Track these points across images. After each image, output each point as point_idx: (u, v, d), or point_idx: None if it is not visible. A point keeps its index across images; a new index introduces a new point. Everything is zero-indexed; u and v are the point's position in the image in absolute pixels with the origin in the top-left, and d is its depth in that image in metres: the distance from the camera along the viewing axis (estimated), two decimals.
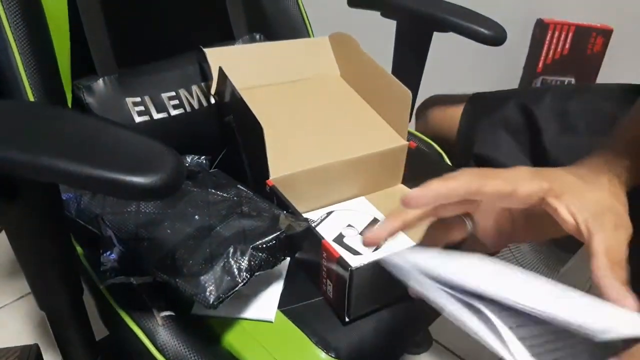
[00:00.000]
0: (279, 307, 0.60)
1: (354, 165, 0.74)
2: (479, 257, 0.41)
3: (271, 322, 0.59)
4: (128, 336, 0.54)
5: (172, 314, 0.55)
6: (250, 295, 0.61)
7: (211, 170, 0.73)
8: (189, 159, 0.71)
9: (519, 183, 0.43)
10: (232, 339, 0.57)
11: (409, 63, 0.89)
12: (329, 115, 0.81)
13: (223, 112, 0.77)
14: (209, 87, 0.77)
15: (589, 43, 1.47)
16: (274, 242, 0.55)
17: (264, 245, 0.54)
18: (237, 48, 0.84)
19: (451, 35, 0.83)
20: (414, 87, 0.90)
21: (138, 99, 0.72)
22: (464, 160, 0.84)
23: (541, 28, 1.47)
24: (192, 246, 0.54)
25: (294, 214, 0.62)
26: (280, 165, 0.68)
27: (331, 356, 0.56)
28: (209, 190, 0.65)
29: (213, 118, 0.78)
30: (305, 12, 0.92)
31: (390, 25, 0.89)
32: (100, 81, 0.70)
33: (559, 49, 1.49)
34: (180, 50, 0.79)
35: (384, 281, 0.58)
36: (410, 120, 0.80)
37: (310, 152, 0.72)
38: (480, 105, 0.86)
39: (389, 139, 0.78)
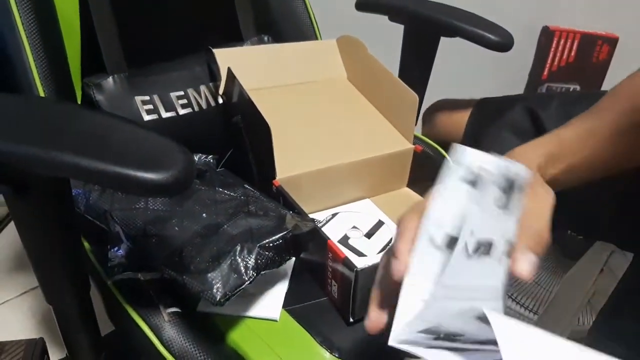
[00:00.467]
0: (284, 306, 0.60)
1: (359, 167, 0.75)
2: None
3: (276, 321, 0.59)
4: (134, 332, 0.55)
5: (179, 310, 0.56)
6: (255, 294, 0.61)
7: (218, 170, 0.74)
8: (196, 158, 0.72)
9: None
10: (237, 336, 0.58)
11: (416, 67, 0.90)
12: (335, 117, 0.81)
13: (231, 112, 0.77)
14: (217, 88, 0.78)
15: (595, 51, 1.48)
16: (280, 241, 0.55)
17: (271, 244, 0.55)
18: (245, 49, 0.84)
19: (458, 41, 0.84)
20: (421, 91, 0.90)
21: (147, 98, 0.73)
22: None
23: (547, 35, 1.47)
24: (199, 244, 0.55)
25: (300, 214, 0.63)
26: (287, 166, 0.69)
27: (335, 356, 0.56)
28: (217, 189, 0.65)
29: (221, 118, 0.78)
30: (314, 15, 0.93)
31: (398, 29, 0.90)
32: (110, 79, 0.71)
33: (564, 57, 1.49)
34: (189, 50, 0.80)
35: None
36: (416, 124, 0.81)
37: (316, 153, 0.73)
38: (487, 110, 0.87)
39: (395, 142, 0.79)
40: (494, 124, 0.83)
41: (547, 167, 0.47)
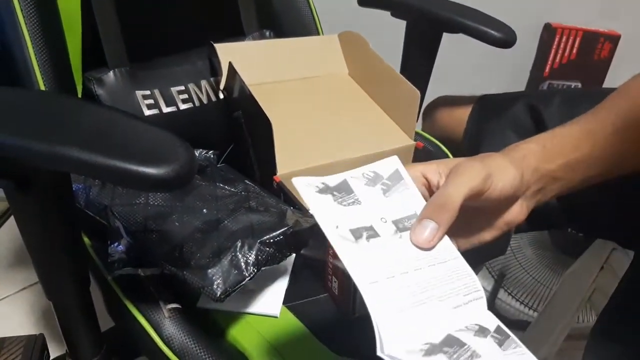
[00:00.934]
0: (284, 302, 0.60)
1: (361, 163, 0.74)
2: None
3: (276, 317, 0.59)
4: (134, 327, 0.55)
5: (179, 306, 0.56)
6: (255, 290, 0.61)
7: (219, 165, 0.74)
8: (197, 153, 0.72)
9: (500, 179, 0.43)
10: (237, 332, 0.58)
11: (418, 63, 0.89)
12: (337, 113, 0.81)
13: (232, 107, 0.77)
14: (218, 82, 0.78)
15: (597, 48, 1.47)
16: (281, 237, 0.55)
17: (272, 240, 0.54)
18: (247, 44, 0.84)
19: (460, 37, 0.83)
20: (422, 88, 0.90)
21: (148, 92, 0.72)
22: None
23: (549, 32, 1.47)
24: (200, 239, 0.55)
25: (301, 210, 0.62)
26: (288, 162, 0.69)
27: (335, 352, 0.56)
28: (217, 184, 0.65)
29: (221, 113, 0.78)
30: (315, 10, 0.93)
31: (400, 25, 0.89)
32: (111, 73, 0.71)
33: (566, 54, 1.49)
34: (191, 45, 0.80)
35: None
36: (417, 121, 0.80)
37: (317, 149, 0.73)
38: (488, 107, 0.86)
39: (397, 138, 0.78)
40: (494, 120, 0.83)
41: (540, 162, 0.46)
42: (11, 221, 1.29)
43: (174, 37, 0.80)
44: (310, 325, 0.58)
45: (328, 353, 0.56)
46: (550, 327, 0.94)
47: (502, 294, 1.25)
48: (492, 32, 0.78)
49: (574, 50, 1.48)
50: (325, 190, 0.40)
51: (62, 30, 0.68)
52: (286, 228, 0.56)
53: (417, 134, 0.82)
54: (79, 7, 0.70)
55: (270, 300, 0.60)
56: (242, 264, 0.52)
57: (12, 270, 1.19)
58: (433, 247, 0.40)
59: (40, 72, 0.63)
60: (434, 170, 0.44)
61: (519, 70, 1.54)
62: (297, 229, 0.57)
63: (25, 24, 0.63)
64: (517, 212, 0.46)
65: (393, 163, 0.43)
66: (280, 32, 0.90)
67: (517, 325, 1.16)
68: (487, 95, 0.89)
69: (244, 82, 0.71)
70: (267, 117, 0.65)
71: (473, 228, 0.47)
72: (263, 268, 0.54)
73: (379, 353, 0.36)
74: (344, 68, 0.88)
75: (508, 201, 0.45)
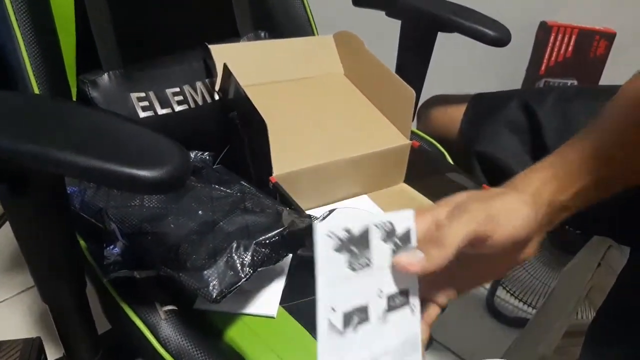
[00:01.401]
0: (281, 303, 0.60)
1: (356, 163, 0.75)
2: None
3: (273, 317, 0.59)
4: (131, 330, 0.55)
5: (175, 308, 0.56)
6: (252, 290, 0.61)
7: (215, 167, 0.73)
8: (192, 155, 0.71)
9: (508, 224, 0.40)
10: (234, 334, 0.58)
11: (413, 63, 0.89)
12: (332, 113, 0.81)
13: (227, 108, 0.77)
14: (213, 84, 0.78)
15: (592, 46, 1.48)
16: (277, 238, 0.55)
17: (267, 241, 0.54)
18: (241, 45, 0.84)
19: (455, 36, 0.83)
20: (418, 87, 0.90)
21: (142, 94, 0.72)
22: (465, 159, 0.84)
23: (544, 30, 1.47)
24: (195, 241, 0.55)
25: (297, 210, 0.62)
26: (284, 162, 0.69)
27: None
28: (213, 186, 0.65)
29: (217, 114, 0.78)
30: (310, 11, 0.93)
31: (395, 24, 0.89)
32: (105, 76, 0.71)
33: (562, 52, 1.49)
34: (185, 46, 0.80)
35: None
36: (413, 120, 0.80)
37: (313, 149, 0.73)
38: (482, 105, 0.87)
39: (392, 137, 0.79)
40: (489, 119, 0.83)
41: (554, 194, 0.43)
42: (8, 225, 1.28)
43: (169, 38, 0.80)
44: (307, 325, 0.58)
45: None
46: (548, 325, 0.94)
47: (500, 292, 1.25)
48: (487, 31, 0.78)
49: (570, 48, 1.48)
50: (344, 245, 0.38)
51: (55, 32, 0.68)
52: (282, 229, 0.56)
53: (412, 133, 0.82)
54: (73, 9, 0.70)
55: (267, 301, 0.60)
56: (238, 265, 0.52)
57: (9, 274, 1.19)
58: (410, 271, 0.38)
59: (34, 75, 0.63)
60: (444, 213, 0.41)
61: (515, 68, 1.54)
62: (293, 230, 0.57)
63: (19, 27, 0.63)
64: (529, 250, 0.43)
65: (408, 219, 0.40)
66: (275, 32, 0.90)
67: (516, 322, 1.16)
68: (481, 93, 0.90)
69: (239, 83, 0.71)
70: (262, 118, 0.65)
71: (480, 270, 0.44)
72: (259, 269, 0.54)
73: None
74: (339, 68, 0.88)
75: (520, 244, 0.42)
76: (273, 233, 0.55)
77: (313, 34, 0.92)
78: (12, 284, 1.16)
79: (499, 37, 0.78)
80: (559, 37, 1.47)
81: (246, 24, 0.87)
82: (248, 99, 0.68)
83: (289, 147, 0.70)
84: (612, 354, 0.62)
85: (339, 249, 0.38)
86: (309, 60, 0.85)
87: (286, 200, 0.65)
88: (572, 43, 1.48)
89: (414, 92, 0.75)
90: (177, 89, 0.76)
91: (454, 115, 0.89)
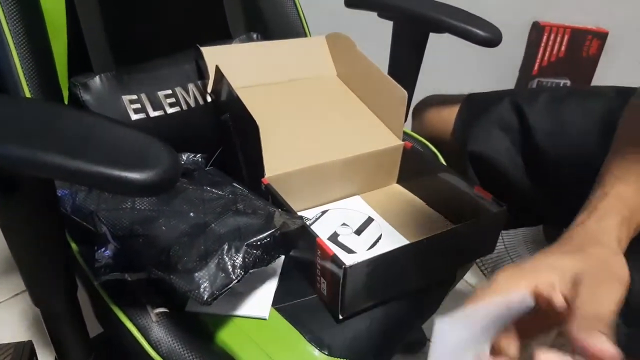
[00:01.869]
0: (273, 304, 0.60)
1: (349, 164, 0.75)
2: None
3: (265, 319, 0.59)
4: (122, 333, 0.55)
5: (166, 310, 0.56)
6: (244, 292, 0.61)
7: (207, 169, 0.73)
8: (184, 157, 0.71)
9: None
10: (226, 336, 0.58)
11: (406, 64, 0.90)
12: (325, 114, 0.81)
13: (219, 110, 0.77)
14: (205, 86, 0.78)
15: (585, 46, 1.48)
16: (268, 239, 0.55)
17: (259, 243, 0.54)
18: (234, 47, 0.84)
19: (448, 36, 0.83)
20: (410, 88, 0.90)
21: (134, 97, 0.72)
22: (459, 160, 0.84)
23: (537, 30, 1.48)
24: (186, 243, 0.55)
25: (289, 212, 0.62)
26: (276, 164, 0.69)
27: (325, 354, 0.56)
28: (205, 187, 0.65)
29: (209, 116, 0.78)
30: (303, 12, 0.93)
31: (387, 25, 0.90)
32: (97, 78, 0.70)
33: (554, 52, 1.50)
34: (177, 48, 0.80)
35: (378, 279, 0.59)
36: (405, 121, 0.80)
37: (305, 151, 0.73)
38: (474, 106, 0.87)
39: (385, 138, 0.79)
40: (481, 119, 0.83)
41: (624, 235, 0.45)
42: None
43: (160, 40, 0.80)
44: (300, 327, 0.58)
45: (317, 354, 0.56)
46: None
47: None
48: (478, 31, 0.78)
49: (562, 48, 1.49)
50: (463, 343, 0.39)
51: (46, 35, 0.68)
52: (273, 230, 0.56)
53: (405, 133, 0.83)
54: (64, 11, 0.70)
55: (259, 303, 0.60)
56: (229, 267, 0.52)
57: (3, 277, 1.19)
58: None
59: (25, 77, 0.63)
60: (546, 282, 0.40)
61: (508, 68, 1.54)
62: (285, 231, 0.57)
63: (9, 30, 0.62)
64: None
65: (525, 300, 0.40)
66: (268, 34, 0.90)
67: None
68: (473, 94, 0.90)
69: (231, 85, 0.71)
70: (254, 120, 0.65)
71: None
72: (251, 271, 0.54)
73: None
74: (331, 69, 0.88)
75: None
76: (265, 235, 0.55)
77: (305, 36, 0.93)
78: (5, 287, 1.15)
79: (489, 38, 0.78)
80: (552, 37, 1.48)
81: (238, 25, 0.87)
82: (240, 100, 0.68)
83: (281, 148, 0.70)
84: None
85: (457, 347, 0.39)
86: (301, 62, 0.85)
87: (278, 202, 0.65)
88: (564, 43, 1.48)
89: (406, 93, 0.75)
90: (169, 91, 0.75)
91: (447, 116, 0.90)
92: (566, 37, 1.47)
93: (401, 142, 0.79)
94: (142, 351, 0.53)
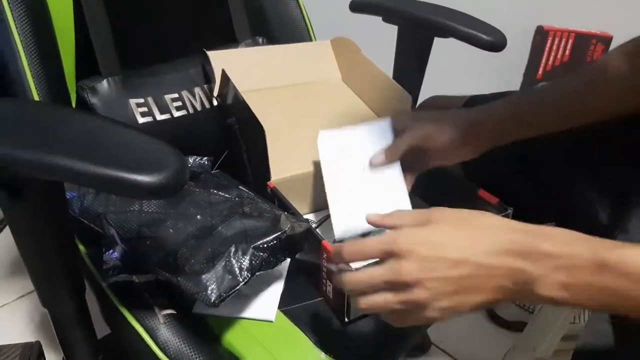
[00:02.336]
0: (279, 307, 0.61)
1: None
2: None
3: (271, 322, 0.59)
4: (130, 334, 0.55)
5: (174, 312, 0.56)
6: (250, 295, 0.61)
7: (213, 172, 0.74)
8: (191, 160, 0.72)
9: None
10: (233, 338, 0.58)
11: (410, 68, 0.90)
12: (330, 118, 0.81)
13: (225, 114, 0.77)
14: (211, 90, 0.78)
15: (589, 50, 1.48)
16: (275, 242, 0.56)
17: (265, 245, 0.55)
18: (240, 51, 0.85)
19: (453, 41, 0.84)
20: (415, 92, 0.90)
21: (141, 100, 0.73)
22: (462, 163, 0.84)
23: (541, 35, 1.48)
24: (194, 245, 0.55)
25: (295, 215, 0.63)
26: (282, 167, 0.69)
27: (330, 356, 0.57)
28: (211, 190, 0.66)
29: (215, 120, 0.79)
30: (308, 17, 0.93)
31: (392, 30, 0.90)
32: (105, 82, 0.71)
33: (559, 56, 1.50)
34: (184, 52, 0.80)
35: None
36: None
37: (311, 154, 0.73)
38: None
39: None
40: None
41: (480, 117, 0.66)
42: (8, 230, 1.29)
43: (167, 45, 0.81)
44: (306, 329, 0.59)
45: (323, 357, 0.56)
46: (547, 328, 0.94)
47: None
48: (482, 36, 0.78)
49: (567, 52, 1.49)
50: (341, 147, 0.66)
51: (55, 40, 0.69)
52: (280, 233, 0.56)
53: None
54: (72, 16, 0.71)
55: (266, 305, 0.61)
56: (236, 269, 0.52)
57: (9, 278, 1.20)
58: (376, 164, 0.66)
59: (34, 81, 0.64)
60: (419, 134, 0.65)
61: (513, 73, 1.55)
62: (291, 234, 0.58)
63: (18, 34, 0.63)
64: (466, 153, 0.66)
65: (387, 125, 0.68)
66: (273, 38, 0.90)
67: (514, 326, 1.17)
68: (475, 95, 0.90)
69: (237, 89, 0.72)
70: (260, 123, 0.66)
71: (434, 158, 0.66)
72: (257, 273, 0.54)
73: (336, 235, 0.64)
74: (336, 73, 0.88)
75: (453, 151, 0.65)
76: (271, 237, 0.56)
77: (310, 40, 0.93)
78: (12, 288, 1.16)
79: (494, 42, 0.79)
80: (556, 42, 1.48)
81: (244, 30, 0.87)
82: (246, 104, 0.68)
83: (287, 152, 0.71)
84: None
85: (337, 151, 0.66)
86: (306, 66, 0.86)
87: (284, 205, 0.65)
88: (569, 47, 1.48)
89: (410, 97, 0.75)
90: (176, 95, 0.76)
91: None
92: (570, 42, 1.48)
93: None
94: (149, 352, 0.53)
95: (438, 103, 0.94)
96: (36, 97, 0.64)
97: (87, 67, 0.72)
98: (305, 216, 0.67)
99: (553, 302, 0.41)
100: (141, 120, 0.72)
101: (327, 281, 0.60)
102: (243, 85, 0.72)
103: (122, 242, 0.57)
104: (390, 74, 0.87)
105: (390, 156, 0.66)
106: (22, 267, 0.51)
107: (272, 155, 0.68)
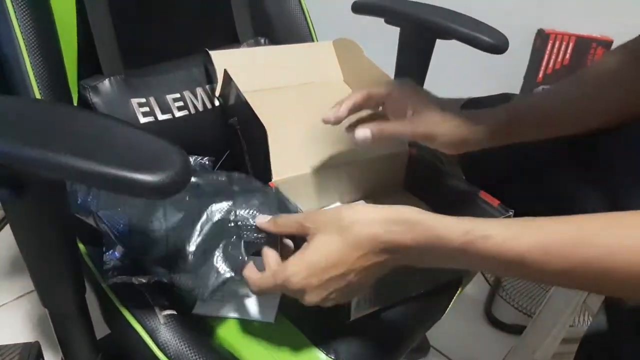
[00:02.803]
0: (280, 308, 0.60)
1: (355, 169, 0.75)
2: None
3: (272, 323, 0.59)
4: (130, 334, 0.55)
5: (174, 312, 0.56)
6: (251, 296, 0.61)
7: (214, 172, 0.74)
8: (192, 160, 0.72)
9: None
10: (233, 339, 0.58)
11: (412, 70, 0.90)
12: None
13: (227, 114, 0.77)
14: (213, 90, 0.78)
15: (589, 54, 1.49)
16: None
17: (255, 226, 0.54)
18: (242, 51, 0.84)
19: (454, 43, 0.84)
20: None
21: (143, 100, 0.73)
22: (462, 165, 0.84)
23: (542, 38, 1.48)
24: (186, 235, 0.54)
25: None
26: (283, 168, 0.69)
27: (331, 357, 0.57)
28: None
29: (217, 120, 0.78)
30: (310, 17, 0.93)
31: (394, 31, 0.90)
32: (107, 81, 0.71)
33: (559, 59, 1.50)
34: (186, 52, 0.80)
35: (384, 283, 0.59)
36: None
37: (312, 155, 0.73)
38: (474, 108, 0.87)
39: (391, 143, 0.79)
40: None
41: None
42: (8, 229, 1.28)
43: (169, 44, 0.81)
44: (306, 331, 0.59)
45: (324, 358, 0.56)
46: (546, 331, 0.94)
47: (498, 299, 1.26)
48: (484, 38, 0.78)
49: (567, 56, 1.49)
50: None
51: (57, 39, 0.69)
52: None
53: None
54: (74, 15, 0.70)
55: (266, 307, 0.60)
56: (230, 261, 0.52)
57: (9, 278, 1.19)
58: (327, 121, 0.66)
59: (36, 80, 0.63)
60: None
61: (513, 75, 1.55)
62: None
63: (21, 32, 0.63)
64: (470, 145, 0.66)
65: None
66: (275, 39, 0.90)
67: (513, 329, 1.17)
68: (473, 98, 0.90)
69: (239, 89, 0.71)
70: (262, 124, 0.66)
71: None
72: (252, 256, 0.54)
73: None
74: (338, 74, 0.88)
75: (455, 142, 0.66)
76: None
77: (312, 41, 0.93)
78: (13, 288, 1.16)
79: (495, 44, 0.79)
80: (557, 45, 1.48)
81: (246, 30, 0.87)
82: (248, 104, 0.68)
83: (288, 152, 0.71)
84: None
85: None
86: (308, 67, 0.86)
87: (286, 208, 0.65)
88: (569, 50, 1.49)
89: None
90: (178, 95, 0.76)
91: None
92: (571, 45, 1.48)
93: (407, 148, 0.79)
94: (149, 353, 0.53)
95: None
96: (38, 95, 0.64)
97: (89, 67, 0.72)
98: None
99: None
100: (143, 120, 0.72)
101: None
102: (245, 85, 0.72)
103: (116, 239, 0.56)
104: (392, 75, 0.87)
105: (345, 102, 0.66)
106: (22, 266, 0.51)
107: (273, 156, 0.68)
